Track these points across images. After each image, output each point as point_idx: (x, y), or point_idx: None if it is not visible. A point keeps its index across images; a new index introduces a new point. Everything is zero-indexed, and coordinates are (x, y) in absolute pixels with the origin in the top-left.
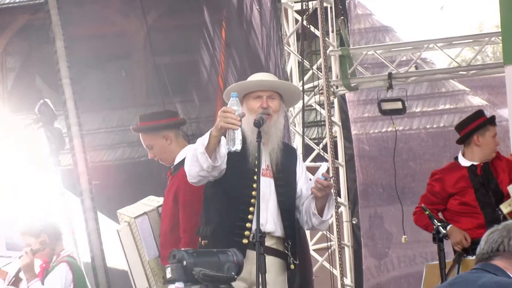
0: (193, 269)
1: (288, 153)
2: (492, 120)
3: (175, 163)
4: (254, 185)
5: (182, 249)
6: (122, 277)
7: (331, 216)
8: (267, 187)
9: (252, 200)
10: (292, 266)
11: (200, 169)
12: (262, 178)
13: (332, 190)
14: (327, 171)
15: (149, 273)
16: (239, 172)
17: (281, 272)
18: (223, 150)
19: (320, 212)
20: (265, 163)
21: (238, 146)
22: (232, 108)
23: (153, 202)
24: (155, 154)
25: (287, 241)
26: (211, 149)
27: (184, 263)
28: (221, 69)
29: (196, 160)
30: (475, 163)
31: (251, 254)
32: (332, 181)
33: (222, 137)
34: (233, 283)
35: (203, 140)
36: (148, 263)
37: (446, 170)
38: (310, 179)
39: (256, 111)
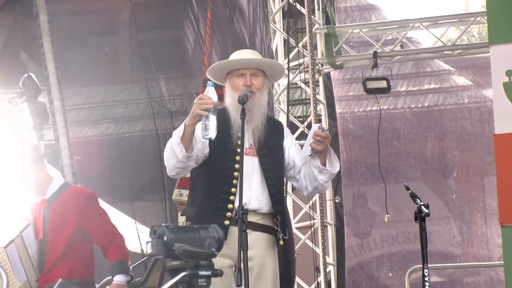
0: (174, 244)
1: (273, 128)
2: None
3: (52, 192)
4: (236, 165)
5: (163, 224)
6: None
7: (339, 167)
8: (250, 166)
9: (234, 181)
10: (281, 242)
11: (177, 161)
12: (245, 157)
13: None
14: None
15: None
16: (222, 153)
17: (270, 247)
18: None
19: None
20: (248, 141)
21: (212, 134)
22: (208, 95)
23: (17, 225)
24: None
25: (276, 216)
26: (187, 139)
27: (165, 238)
28: (206, 46)
29: (172, 153)
30: None
31: (237, 232)
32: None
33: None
34: (218, 260)
35: (178, 132)
36: None
37: None
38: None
39: (240, 88)
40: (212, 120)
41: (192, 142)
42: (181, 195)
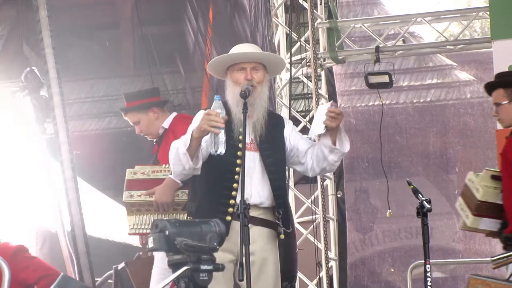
0: (175, 239)
1: (273, 122)
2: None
3: None
4: (238, 161)
5: (165, 218)
6: (102, 246)
7: (349, 147)
8: (251, 161)
9: (236, 176)
10: (282, 236)
11: (183, 168)
12: (246, 152)
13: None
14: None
15: None
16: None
17: (270, 241)
18: (205, 152)
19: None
20: (249, 136)
21: (222, 150)
22: (216, 111)
23: None
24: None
25: (278, 210)
26: (193, 150)
27: (166, 232)
28: (208, 41)
29: (179, 159)
30: None
31: (238, 226)
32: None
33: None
34: (220, 255)
35: (185, 141)
36: None
37: None
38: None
39: (241, 83)
40: (222, 136)
41: (198, 153)
42: (132, 196)
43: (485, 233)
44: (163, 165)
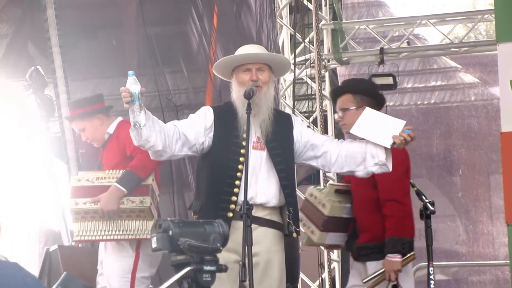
0: (179, 239)
1: (281, 121)
2: None
3: None
4: (241, 159)
5: (168, 219)
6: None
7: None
8: (257, 160)
9: (238, 174)
10: (294, 234)
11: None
12: (252, 151)
13: None
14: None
15: None
16: (227, 146)
17: (276, 242)
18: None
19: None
20: (255, 135)
21: (138, 122)
22: (126, 87)
23: None
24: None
25: (288, 208)
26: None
27: (170, 233)
28: (213, 41)
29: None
30: None
31: (241, 226)
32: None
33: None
34: (225, 255)
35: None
36: None
37: None
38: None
39: (246, 83)
40: (135, 109)
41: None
42: (77, 204)
43: (326, 246)
44: (107, 171)
